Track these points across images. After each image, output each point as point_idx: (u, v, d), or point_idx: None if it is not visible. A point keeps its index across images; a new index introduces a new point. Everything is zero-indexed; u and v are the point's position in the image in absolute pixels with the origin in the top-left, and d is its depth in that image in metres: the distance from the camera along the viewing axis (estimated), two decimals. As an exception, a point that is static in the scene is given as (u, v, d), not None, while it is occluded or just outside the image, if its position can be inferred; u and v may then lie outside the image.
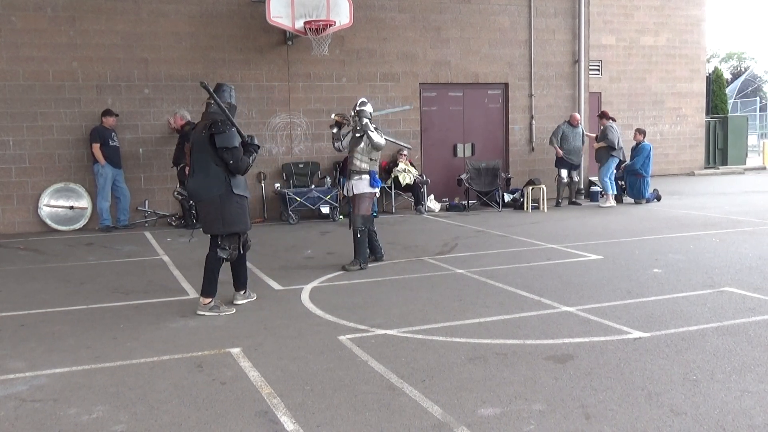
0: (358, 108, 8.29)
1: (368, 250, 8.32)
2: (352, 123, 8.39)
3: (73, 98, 11.75)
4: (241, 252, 6.48)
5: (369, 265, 8.18)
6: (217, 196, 6.16)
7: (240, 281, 6.60)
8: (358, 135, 8.26)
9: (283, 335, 5.57)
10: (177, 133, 11.78)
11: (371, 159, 8.25)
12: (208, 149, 6.14)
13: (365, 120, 8.18)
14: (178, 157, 11.62)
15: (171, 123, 11.89)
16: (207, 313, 6.22)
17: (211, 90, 6.20)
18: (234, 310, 6.33)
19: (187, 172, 11.36)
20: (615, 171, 14.07)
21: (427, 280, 7.46)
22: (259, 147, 6.48)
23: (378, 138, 8.16)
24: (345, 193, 8.53)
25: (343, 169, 12.98)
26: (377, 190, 8.38)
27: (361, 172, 8.20)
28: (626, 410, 3.99)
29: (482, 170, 13.81)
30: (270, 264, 8.44)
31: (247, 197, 6.44)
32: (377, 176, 8.32)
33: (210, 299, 6.28)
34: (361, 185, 8.19)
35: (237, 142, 6.17)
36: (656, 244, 9.34)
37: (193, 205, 11.56)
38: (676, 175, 20.55)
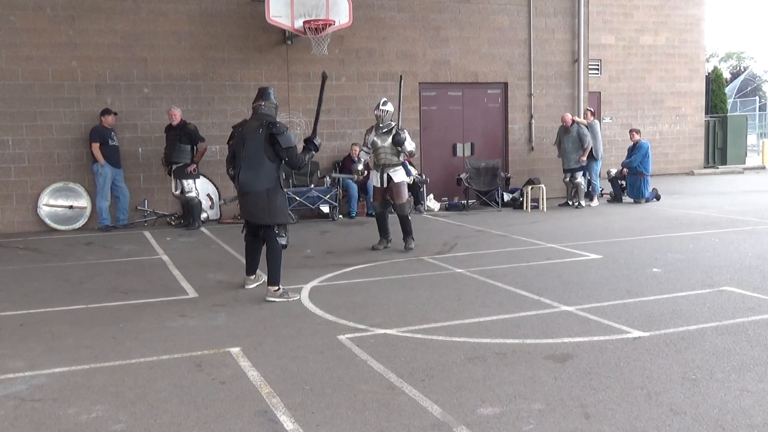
0: (387, 118, 9.10)
1: (385, 231, 9.30)
2: (377, 120, 9.16)
3: (72, 98, 11.74)
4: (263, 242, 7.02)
5: (367, 265, 8.20)
6: (266, 190, 6.69)
7: (252, 267, 7.17)
8: (384, 131, 9.03)
9: (283, 335, 5.57)
10: (171, 129, 11.63)
11: (400, 152, 9.03)
12: (264, 146, 6.65)
13: (404, 136, 8.92)
14: (170, 154, 11.51)
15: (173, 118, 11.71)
16: (277, 300, 6.62)
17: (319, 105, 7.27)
18: (298, 296, 6.72)
19: (190, 169, 11.46)
20: (618, 170, 14.33)
21: (426, 280, 7.46)
22: (317, 148, 7.07)
23: (411, 147, 8.99)
24: (375, 183, 9.24)
25: (342, 169, 12.99)
26: (410, 179, 9.52)
27: (394, 165, 9.05)
28: (626, 409, 3.99)
29: (482, 170, 13.81)
30: (269, 263, 8.44)
31: None
32: (408, 166, 9.37)
33: (278, 286, 6.72)
34: (398, 175, 9.05)
35: (295, 141, 6.82)
36: (655, 243, 9.34)
37: (192, 205, 11.60)
38: (675, 174, 20.56)
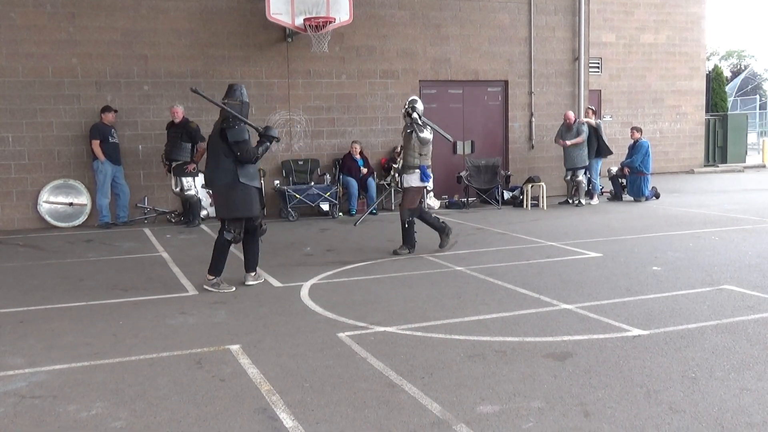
0: (407, 106, 8.83)
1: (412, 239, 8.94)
2: (404, 120, 8.97)
3: (72, 95, 11.74)
4: (255, 236, 7.11)
5: (366, 263, 8.21)
6: (225, 184, 6.84)
7: (250, 263, 7.19)
8: (408, 131, 8.83)
9: (283, 332, 5.57)
10: (173, 126, 11.63)
11: (420, 154, 8.75)
12: (219, 143, 6.82)
13: (414, 115, 8.72)
14: (170, 151, 11.50)
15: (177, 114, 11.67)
16: (210, 288, 6.87)
17: (202, 93, 7.06)
18: (233, 288, 6.90)
19: (189, 169, 11.50)
20: (619, 169, 14.32)
21: (426, 278, 7.46)
22: (274, 138, 7.10)
23: (424, 134, 8.70)
24: (398, 187, 9.23)
25: (342, 167, 12.99)
26: (427, 183, 9.09)
27: (412, 167, 8.75)
28: (625, 408, 3.99)
29: (482, 168, 13.81)
30: (269, 261, 8.43)
31: (255, 187, 7.01)
32: (428, 170, 8.85)
33: (213, 276, 6.93)
34: (411, 179, 8.76)
35: (245, 136, 6.82)
36: (656, 241, 9.34)
37: (192, 203, 11.60)
38: (675, 173, 20.56)
